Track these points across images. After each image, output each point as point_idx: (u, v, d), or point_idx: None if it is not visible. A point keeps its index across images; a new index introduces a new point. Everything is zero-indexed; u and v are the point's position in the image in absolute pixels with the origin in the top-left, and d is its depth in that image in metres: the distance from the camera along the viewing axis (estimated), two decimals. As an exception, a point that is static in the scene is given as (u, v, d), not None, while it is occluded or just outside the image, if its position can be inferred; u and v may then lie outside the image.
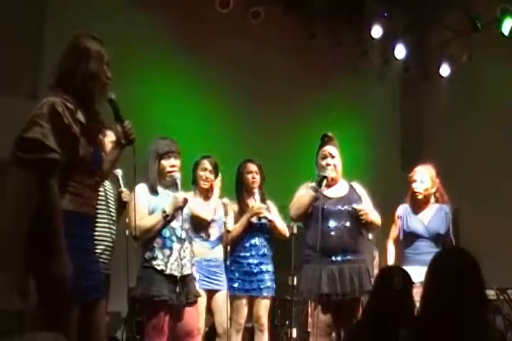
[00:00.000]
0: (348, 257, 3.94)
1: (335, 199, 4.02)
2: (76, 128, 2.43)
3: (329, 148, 4.10)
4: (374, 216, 4.07)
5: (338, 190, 4.11)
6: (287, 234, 4.76)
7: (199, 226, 4.29)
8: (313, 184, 3.99)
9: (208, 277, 4.29)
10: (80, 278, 2.38)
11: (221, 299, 4.34)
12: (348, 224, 3.96)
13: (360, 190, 4.19)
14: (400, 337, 2.44)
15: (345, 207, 4.00)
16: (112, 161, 2.73)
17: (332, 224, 3.93)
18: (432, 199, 4.54)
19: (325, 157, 4.09)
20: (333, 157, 4.09)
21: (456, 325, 2.22)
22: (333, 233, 3.91)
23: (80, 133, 2.45)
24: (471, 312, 2.22)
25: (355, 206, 3.97)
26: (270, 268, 4.63)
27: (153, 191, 3.65)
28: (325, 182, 3.99)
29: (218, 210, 4.48)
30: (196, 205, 4.23)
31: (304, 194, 4.02)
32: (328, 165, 4.05)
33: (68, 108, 2.42)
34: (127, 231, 4.06)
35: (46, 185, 2.32)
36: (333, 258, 3.90)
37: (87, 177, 2.51)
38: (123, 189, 4.07)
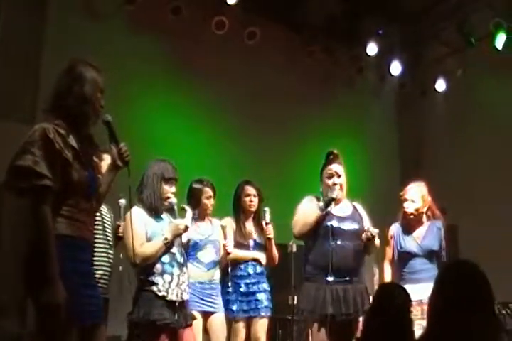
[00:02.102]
0: (352, 277, 3.93)
1: (341, 219, 4.01)
2: (68, 153, 2.45)
3: (335, 167, 4.09)
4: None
5: (343, 209, 4.11)
6: (276, 262, 4.76)
7: (194, 247, 4.30)
8: (321, 204, 3.97)
9: (202, 299, 4.28)
10: (78, 302, 2.39)
11: (217, 322, 4.33)
12: (353, 243, 3.96)
13: (361, 210, 4.20)
14: None
15: (351, 226, 4.01)
16: (108, 183, 2.74)
17: (338, 243, 3.91)
18: (424, 218, 4.52)
19: (331, 176, 4.07)
20: (339, 176, 4.07)
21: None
22: (339, 252, 3.88)
23: (73, 157, 2.47)
24: (481, 328, 2.19)
25: (370, 229, 3.93)
26: (267, 286, 4.64)
27: (156, 214, 3.65)
28: (333, 203, 3.98)
29: (215, 232, 4.48)
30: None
31: (309, 212, 4.00)
32: (334, 184, 4.04)
33: (60, 134, 2.44)
34: (121, 255, 4.03)
35: (39, 212, 2.34)
36: (339, 278, 3.87)
37: (83, 201, 2.52)
38: (121, 223, 4.00)
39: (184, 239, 3.75)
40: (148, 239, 3.56)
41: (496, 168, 7.99)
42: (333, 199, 3.96)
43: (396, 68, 8.66)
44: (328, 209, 3.96)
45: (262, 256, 4.66)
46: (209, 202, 4.47)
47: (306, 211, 4.04)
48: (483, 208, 7.93)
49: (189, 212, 3.84)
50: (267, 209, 4.69)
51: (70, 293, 2.33)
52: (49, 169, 2.35)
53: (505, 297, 5.69)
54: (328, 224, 3.94)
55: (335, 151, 4.17)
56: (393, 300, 3.01)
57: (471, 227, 7.73)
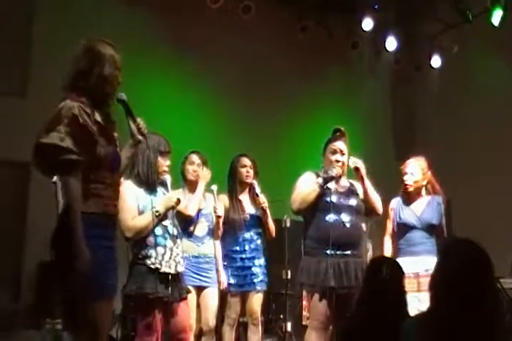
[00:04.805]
0: (353, 251, 3.95)
1: (339, 194, 4.02)
2: (94, 128, 2.54)
3: (340, 144, 4.09)
4: (375, 197, 4.09)
5: (341, 185, 4.11)
6: (273, 234, 4.75)
7: (185, 222, 4.29)
8: (320, 181, 3.96)
9: (196, 273, 4.29)
10: (106, 276, 2.54)
11: (209, 296, 4.35)
12: (353, 218, 3.98)
13: (358, 187, 4.20)
14: (403, 330, 2.43)
15: (349, 201, 4.02)
16: (129, 158, 2.90)
17: (337, 217, 3.93)
18: (424, 192, 4.55)
19: (335, 152, 4.07)
20: (342, 154, 4.07)
21: (470, 317, 2.21)
22: (339, 227, 3.90)
23: (99, 133, 2.56)
24: (485, 304, 2.21)
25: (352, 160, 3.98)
26: (262, 261, 4.64)
27: (150, 188, 3.62)
28: (333, 181, 4.00)
29: (208, 205, 4.48)
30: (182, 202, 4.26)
31: (308, 189, 3.99)
32: (337, 161, 4.04)
33: (85, 111, 2.52)
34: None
35: (67, 185, 2.45)
36: (339, 252, 3.88)
37: (109, 175, 2.62)
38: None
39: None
40: (141, 213, 3.54)
41: (490, 144, 8.01)
42: (333, 178, 3.97)
43: (391, 44, 8.60)
44: (328, 185, 3.97)
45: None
46: (191, 168, 4.46)
47: (305, 187, 4.03)
48: (478, 181, 7.98)
49: (168, 182, 3.79)
50: (254, 181, 4.69)
51: (97, 268, 2.44)
52: (75, 144, 2.43)
53: (496, 272, 5.74)
54: (328, 199, 3.95)
55: (342, 129, 4.18)
56: (381, 272, 3.02)
57: (465, 202, 7.77)
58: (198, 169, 4.46)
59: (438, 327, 2.24)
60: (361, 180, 4.04)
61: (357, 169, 4.02)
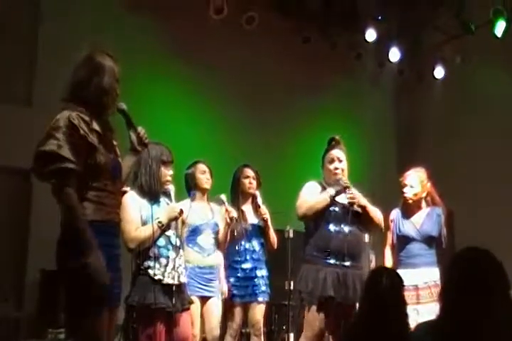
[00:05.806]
0: (353, 262, 3.95)
1: (343, 204, 4.02)
2: (93, 137, 2.55)
3: (337, 152, 4.12)
4: (375, 213, 4.08)
5: (346, 195, 4.07)
6: (275, 246, 4.74)
7: (194, 232, 4.32)
8: (332, 192, 3.98)
9: (201, 284, 4.29)
10: (108, 286, 2.49)
11: (212, 306, 4.34)
12: (355, 229, 4.00)
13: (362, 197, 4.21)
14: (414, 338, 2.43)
15: (353, 212, 4.02)
16: (130, 167, 2.91)
17: (340, 227, 3.95)
18: (423, 204, 4.54)
19: (332, 161, 4.10)
20: (340, 161, 4.10)
21: (480, 326, 2.20)
22: (341, 237, 3.92)
23: (98, 141, 2.57)
24: (497, 314, 2.20)
25: (349, 190, 3.96)
26: (265, 272, 4.62)
27: (153, 198, 3.60)
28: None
29: (215, 216, 4.49)
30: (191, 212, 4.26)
31: (318, 198, 4.01)
32: (336, 169, 4.07)
33: (84, 120, 2.54)
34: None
35: (65, 193, 2.44)
36: (339, 262, 3.89)
37: (110, 183, 2.63)
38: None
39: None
40: (144, 223, 3.53)
41: (494, 154, 8.00)
42: (345, 188, 3.97)
43: (395, 55, 8.62)
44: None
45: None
46: (204, 177, 4.49)
47: (313, 195, 4.04)
48: (480, 193, 7.96)
49: (172, 192, 3.78)
50: (257, 192, 4.69)
51: None
52: (73, 153, 2.45)
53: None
54: (331, 209, 3.97)
55: (337, 137, 4.21)
56: (381, 283, 3.02)
57: (467, 214, 7.77)
58: (210, 178, 4.51)
59: (448, 336, 2.24)
60: (363, 208, 4.03)
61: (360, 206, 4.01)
